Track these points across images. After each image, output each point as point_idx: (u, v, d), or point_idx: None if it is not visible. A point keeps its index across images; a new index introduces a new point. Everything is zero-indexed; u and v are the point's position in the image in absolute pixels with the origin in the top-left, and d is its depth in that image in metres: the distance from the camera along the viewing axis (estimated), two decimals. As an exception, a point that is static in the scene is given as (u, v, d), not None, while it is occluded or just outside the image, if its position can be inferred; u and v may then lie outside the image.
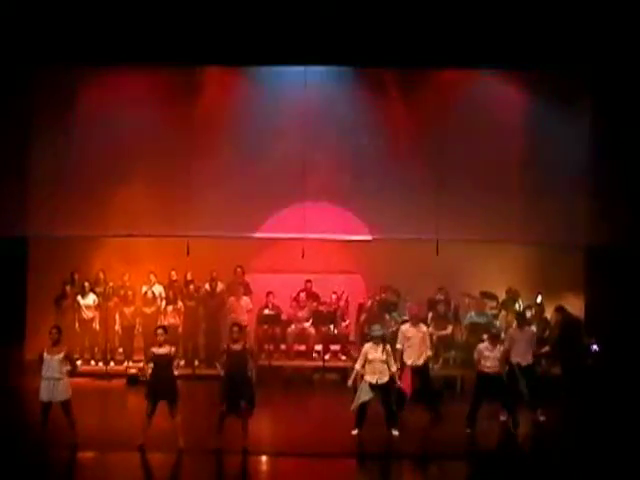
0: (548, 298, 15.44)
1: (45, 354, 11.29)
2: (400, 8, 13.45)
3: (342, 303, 16.08)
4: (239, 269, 15.92)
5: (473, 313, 15.41)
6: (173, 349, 11.63)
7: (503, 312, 15.40)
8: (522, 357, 12.94)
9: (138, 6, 13.44)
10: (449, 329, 15.27)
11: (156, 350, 11.45)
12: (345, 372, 14.37)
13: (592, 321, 15.57)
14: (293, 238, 15.50)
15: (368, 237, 15.72)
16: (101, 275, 15.98)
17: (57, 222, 15.32)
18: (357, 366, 12.24)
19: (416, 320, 13.10)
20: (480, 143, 15.69)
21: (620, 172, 15.19)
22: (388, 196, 15.66)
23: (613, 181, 15.21)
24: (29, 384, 12.94)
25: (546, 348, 14.36)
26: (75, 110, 15.62)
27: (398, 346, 12.80)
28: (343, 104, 15.70)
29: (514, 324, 13.50)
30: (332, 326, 15.84)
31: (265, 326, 15.82)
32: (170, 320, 15.52)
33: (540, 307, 15.31)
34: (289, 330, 15.84)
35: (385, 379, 12.08)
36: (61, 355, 11.27)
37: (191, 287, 15.94)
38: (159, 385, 11.32)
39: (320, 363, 15.65)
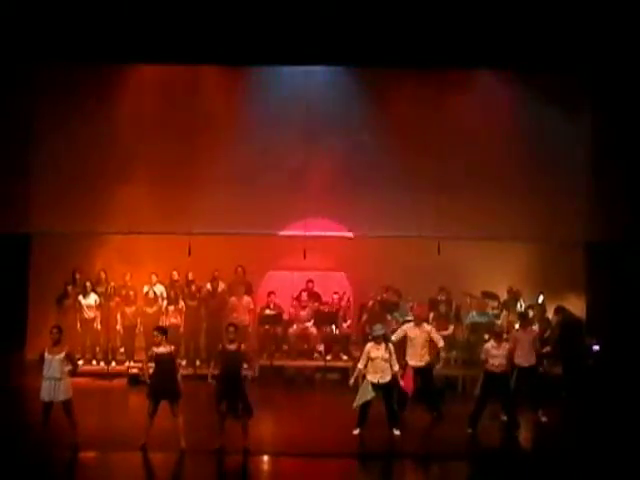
0: (549, 298, 15.44)
1: (46, 354, 11.29)
2: (400, 8, 13.44)
3: (344, 303, 16.08)
4: (240, 269, 15.91)
5: (474, 313, 15.41)
6: (173, 348, 11.62)
7: (504, 312, 15.39)
8: (525, 358, 12.93)
9: (138, 5, 13.44)
10: (450, 329, 15.26)
11: (156, 349, 11.44)
12: (346, 372, 14.41)
13: (593, 321, 15.58)
14: (294, 236, 15.55)
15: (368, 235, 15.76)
16: (103, 275, 15.96)
17: (59, 219, 15.39)
18: (359, 365, 12.26)
19: (419, 321, 13.13)
20: (481, 142, 15.73)
21: (620, 170, 15.22)
22: (388, 195, 15.69)
23: (613, 179, 15.23)
24: (30, 384, 12.94)
25: (547, 348, 14.36)
26: (77, 108, 15.66)
27: (393, 338, 12.85)
28: (343, 103, 15.74)
29: (517, 325, 13.49)
30: (334, 326, 15.85)
31: (267, 326, 15.83)
32: (171, 320, 15.54)
33: (541, 307, 15.31)
34: (291, 330, 15.85)
35: (387, 378, 12.10)
36: (62, 355, 11.25)
37: (192, 287, 15.93)
38: (161, 385, 11.30)
39: (322, 363, 15.66)
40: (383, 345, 12.12)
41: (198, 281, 15.99)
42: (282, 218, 15.89)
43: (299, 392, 15.08)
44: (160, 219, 15.51)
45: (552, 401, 13.40)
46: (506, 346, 12.49)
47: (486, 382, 12.45)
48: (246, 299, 15.75)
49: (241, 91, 16.03)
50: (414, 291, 15.43)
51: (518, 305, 15.42)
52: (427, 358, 12.99)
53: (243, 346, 11.50)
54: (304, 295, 16.06)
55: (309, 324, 15.88)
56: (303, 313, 15.94)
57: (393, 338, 12.89)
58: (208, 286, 15.90)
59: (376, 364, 12.06)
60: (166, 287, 15.91)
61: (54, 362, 11.18)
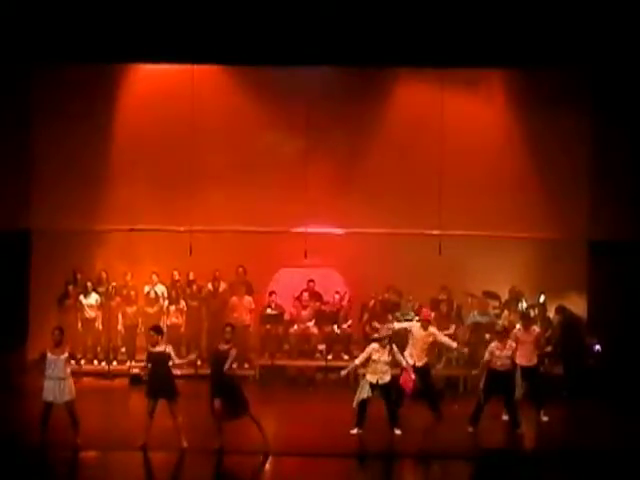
0: (551, 297, 15.42)
1: (49, 355, 11.31)
2: (400, 8, 13.42)
3: (345, 303, 16.08)
4: (241, 269, 15.91)
5: (476, 313, 15.41)
6: (169, 347, 11.63)
7: (506, 312, 15.37)
8: (527, 359, 12.94)
9: (137, 4, 13.43)
10: (452, 329, 15.24)
11: (151, 349, 11.51)
12: (347, 372, 14.40)
13: (594, 320, 15.55)
14: (295, 235, 15.56)
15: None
16: (103, 275, 15.97)
17: (59, 216, 15.44)
18: (357, 361, 12.34)
19: (427, 324, 13.14)
20: (481, 141, 15.72)
21: (622, 169, 15.21)
22: (389, 194, 15.70)
23: (615, 178, 15.23)
24: (31, 383, 12.96)
25: (548, 348, 14.34)
26: (77, 105, 15.66)
27: (395, 325, 13.01)
28: (343, 103, 15.75)
29: (518, 325, 13.48)
30: (335, 326, 15.85)
31: (268, 326, 15.83)
32: (172, 320, 15.57)
33: (543, 307, 15.29)
34: (292, 330, 15.85)
35: (387, 379, 12.11)
36: (65, 355, 11.29)
37: (194, 287, 15.94)
38: (156, 383, 11.37)
39: (323, 363, 15.65)
40: (387, 348, 12.11)
41: (199, 281, 16.00)
42: (282, 218, 15.87)
43: (300, 392, 15.08)
44: (160, 217, 15.53)
45: (553, 400, 13.39)
46: (512, 345, 12.48)
47: (490, 379, 12.43)
48: (247, 299, 15.74)
49: (241, 91, 16.05)
50: (415, 291, 15.44)
51: (520, 305, 15.41)
52: (425, 359, 13.02)
53: (233, 347, 11.46)
54: (305, 295, 16.05)
55: (310, 324, 15.87)
56: (304, 313, 15.94)
57: (395, 325, 12.89)
58: (209, 286, 15.91)
59: (377, 365, 12.07)
60: (167, 287, 15.92)
61: (58, 362, 11.21)
